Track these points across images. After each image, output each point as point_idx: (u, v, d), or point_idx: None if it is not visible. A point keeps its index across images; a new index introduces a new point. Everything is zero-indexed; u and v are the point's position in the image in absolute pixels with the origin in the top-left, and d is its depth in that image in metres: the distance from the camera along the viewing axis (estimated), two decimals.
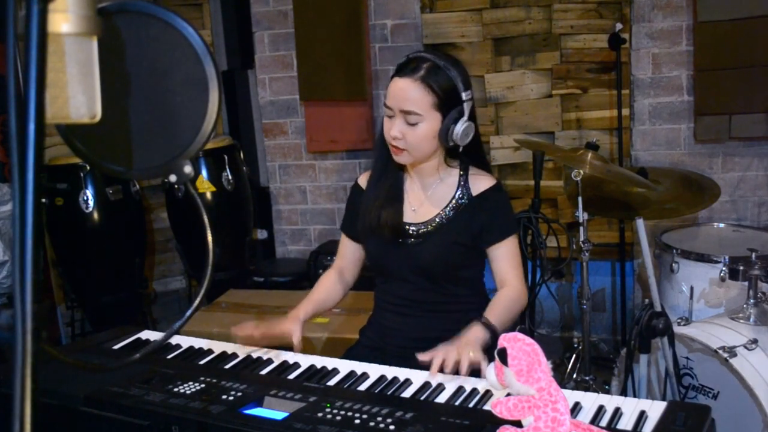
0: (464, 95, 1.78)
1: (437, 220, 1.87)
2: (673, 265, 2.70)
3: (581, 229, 2.58)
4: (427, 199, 1.91)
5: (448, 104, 1.76)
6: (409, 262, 1.87)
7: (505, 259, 1.87)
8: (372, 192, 1.93)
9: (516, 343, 1.25)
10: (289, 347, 1.81)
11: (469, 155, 1.90)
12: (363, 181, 2.01)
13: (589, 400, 1.42)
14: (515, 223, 1.93)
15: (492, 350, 1.62)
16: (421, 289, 1.88)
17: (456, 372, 1.56)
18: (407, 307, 1.91)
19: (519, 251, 1.90)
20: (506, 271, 1.86)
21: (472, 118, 1.82)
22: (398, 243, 1.88)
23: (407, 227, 1.89)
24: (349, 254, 2.05)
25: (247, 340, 1.81)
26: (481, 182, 1.89)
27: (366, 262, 2.06)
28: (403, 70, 1.78)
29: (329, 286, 2.03)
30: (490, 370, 1.29)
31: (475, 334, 1.69)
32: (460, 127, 1.78)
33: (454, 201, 1.88)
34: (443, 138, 1.78)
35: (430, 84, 1.74)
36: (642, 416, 1.34)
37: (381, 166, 1.94)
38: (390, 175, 1.93)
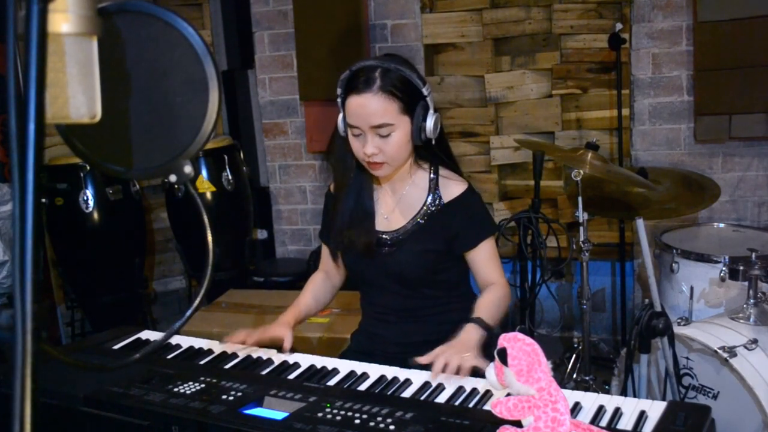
0: (424, 90, 1.74)
1: (409, 227, 1.85)
2: (673, 265, 2.70)
3: (581, 229, 2.58)
4: (398, 205, 1.88)
5: (412, 104, 1.73)
6: (384, 271, 1.86)
7: (483, 261, 1.85)
8: (341, 207, 1.89)
9: (516, 343, 1.25)
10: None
11: (437, 151, 1.85)
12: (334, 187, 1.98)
13: (589, 400, 1.42)
14: (490, 224, 1.89)
15: (489, 348, 1.63)
16: (400, 296, 1.88)
17: (455, 372, 1.56)
18: (390, 314, 1.91)
19: (496, 249, 1.88)
20: (487, 272, 1.86)
21: (435, 109, 1.78)
22: (371, 253, 1.86)
23: (380, 236, 1.86)
24: (332, 261, 2.02)
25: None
26: (452, 187, 1.85)
27: None
28: (356, 87, 1.71)
29: (317, 289, 2.02)
30: (490, 370, 1.29)
31: (471, 334, 1.69)
32: (430, 120, 1.75)
33: (425, 207, 1.84)
34: (416, 136, 1.75)
35: (390, 90, 1.69)
36: (642, 416, 1.34)
37: (347, 179, 1.88)
38: (357, 186, 1.89)
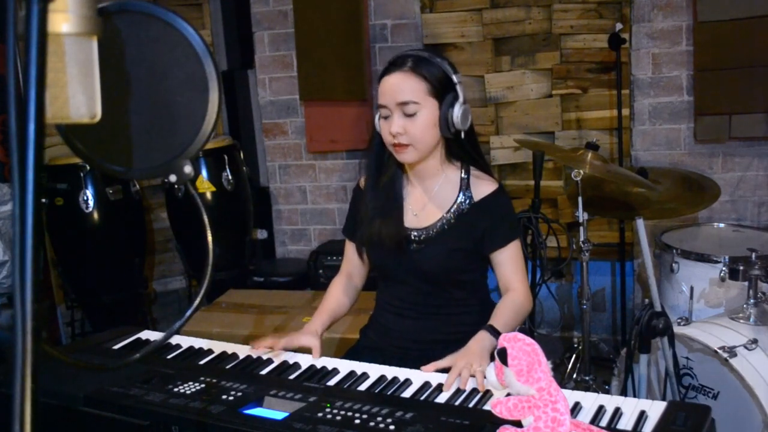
0: (455, 78, 1.77)
1: (439, 225, 1.85)
2: (673, 265, 2.70)
3: (581, 229, 2.58)
4: (429, 202, 1.88)
5: (442, 90, 1.75)
6: (411, 268, 1.86)
7: (508, 263, 1.85)
8: (370, 202, 1.90)
9: (516, 343, 1.25)
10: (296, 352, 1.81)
11: (467, 147, 1.86)
12: (364, 183, 1.99)
13: (589, 400, 1.42)
14: (518, 227, 1.91)
15: None
16: (422, 293, 1.88)
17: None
18: (408, 309, 1.90)
19: (522, 254, 1.89)
20: (510, 275, 1.85)
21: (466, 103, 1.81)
22: (400, 249, 1.86)
23: (409, 233, 1.87)
24: (355, 258, 2.01)
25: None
26: (483, 186, 1.86)
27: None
28: (390, 69, 1.77)
29: (340, 294, 2.01)
30: (490, 370, 1.29)
31: (482, 342, 1.68)
32: (459, 110, 1.76)
33: (456, 206, 1.85)
34: (443, 124, 1.76)
35: (421, 72, 1.73)
36: (642, 416, 1.34)
37: (378, 172, 1.90)
38: (388, 182, 1.90)
